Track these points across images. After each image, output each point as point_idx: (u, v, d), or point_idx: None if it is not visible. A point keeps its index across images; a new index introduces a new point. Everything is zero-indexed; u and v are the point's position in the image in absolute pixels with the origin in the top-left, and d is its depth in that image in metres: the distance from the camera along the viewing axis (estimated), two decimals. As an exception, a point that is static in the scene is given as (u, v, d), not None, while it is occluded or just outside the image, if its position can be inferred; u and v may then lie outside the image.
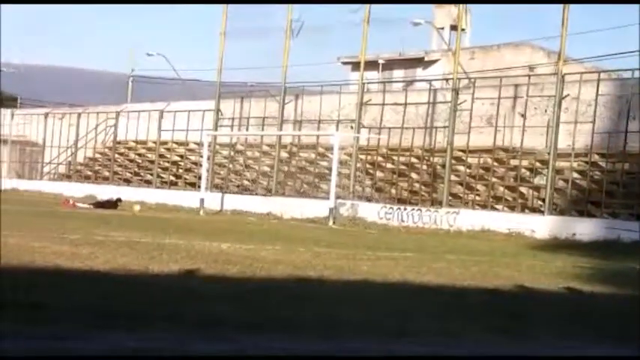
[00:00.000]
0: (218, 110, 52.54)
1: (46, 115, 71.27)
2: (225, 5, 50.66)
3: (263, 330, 8.41)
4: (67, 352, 6.87)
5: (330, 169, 41.88)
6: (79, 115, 67.66)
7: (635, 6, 46.07)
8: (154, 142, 58.90)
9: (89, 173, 64.47)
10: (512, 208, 38.44)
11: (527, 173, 39.03)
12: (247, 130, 53.07)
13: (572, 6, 36.90)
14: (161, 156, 58.36)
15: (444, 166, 40.57)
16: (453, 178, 40.64)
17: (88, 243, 17.41)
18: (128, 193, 52.59)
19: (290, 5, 46.84)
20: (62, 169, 69.09)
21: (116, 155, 62.70)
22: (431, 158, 42.59)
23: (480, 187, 40.49)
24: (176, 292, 11.02)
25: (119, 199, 43.07)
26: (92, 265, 13.39)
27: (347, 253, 20.03)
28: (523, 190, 39.13)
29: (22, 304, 8.92)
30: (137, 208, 39.77)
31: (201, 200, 44.24)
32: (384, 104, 45.18)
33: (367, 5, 43.59)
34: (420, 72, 58.67)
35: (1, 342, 7.05)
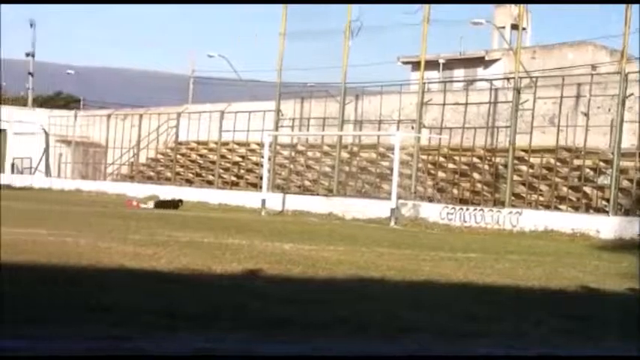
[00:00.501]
0: (279, 111, 52.66)
1: (109, 116, 71.96)
2: (284, 6, 50.75)
3: (328, 331, 8.41)
4: (138, 351, 6.94)
5: (391, 169, 41.77)
6: (141, 116, 68.23)
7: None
8: (215, 143, 59.18)
9: (151, 174, 64.97)
10: (576, 209, 38.05)
11: (591, 173, 38.61)
12: (308, 130, 53.14)
13: (635, 4, 36.47)
14: (222, 157, 58.62)
15: (506, 165, 40.28)
16: (515, 178, 40.34)
17: (151, 243, 17.53)
18: (190, 194, 52.96)
19: (349, 5, 46.82)
20: (125, 169, 69.72)
21: (178, 156, 63.10)
22: (493, 158, 42.30)
23: (542, 187, 40.12)
24: (239, 293, 11.06)
25: (180, 201, 43.32)
26: (156, 265, 13.48)
27: (409, 253, 19.97)
28: (587, 190, 38.71)
29: (91, 305, 9.01)
30: (150, 204, 40.16)
31: (263, 201, 44.37)
32: (444, 104, 44.98)
33: (427, 5, 43.43)
34: (480, 71, 58.33)
35: (69, 342, 7.13)
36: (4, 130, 79.72)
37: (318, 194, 48.45)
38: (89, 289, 10.45)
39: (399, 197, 39.44)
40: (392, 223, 37.21)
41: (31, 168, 77.60)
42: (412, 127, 45.45)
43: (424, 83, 45.49)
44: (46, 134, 78.15)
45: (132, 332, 7.65)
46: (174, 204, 42.21)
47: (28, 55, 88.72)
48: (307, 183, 51.97)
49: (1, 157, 77.39)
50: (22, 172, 76.57)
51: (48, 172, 76.45)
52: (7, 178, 69.60)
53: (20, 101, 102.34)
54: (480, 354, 7.80)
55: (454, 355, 7.68)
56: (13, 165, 78.79)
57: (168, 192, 51.97)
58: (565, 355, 8.18)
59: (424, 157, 44.70)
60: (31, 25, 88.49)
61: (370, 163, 48.47)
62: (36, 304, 8.92)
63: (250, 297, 10.65)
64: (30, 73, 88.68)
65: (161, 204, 42.20)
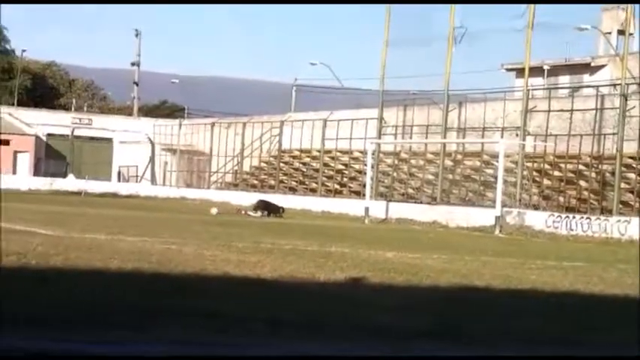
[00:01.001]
0: (381, 118, 52.60)
1: (213, 124, 72.74)
2: (387, 13, 50.67)
3: (433, 339, 8.33)
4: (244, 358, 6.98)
5: (495, 176, 41.37)
6: (244, 124, 68.81)
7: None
8: (318, 151, 59.36)
9: (255, 182, 65.45)
10: (685, 217, 37.18)
11: (702, 180, 37.72)
12: (411, 138, 52.95)
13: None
14: (325, 164, 58.78)
15: (613, 173, 39.56)
16: (623, 185, 39.59)
17: (255, 251, 17.62)
18: (293, 202, 53.17)
19: (452, 11, 46.53)
20: (229, 177, 70.38)
21: (281, 164, 63.46)
22: (599, 165, 41.59)
23: (651, 194, 39.33)
24: (342, 301, 11.03)
25: (282, 209, 43.44)
26: (260, 272, 13.53)
27: (514, 262, 19.72)
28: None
29: (197, 312, 9.08)
30: (214, 211, 40.08)
31: (366, 208, 44.32)
32: (549, 111, 44.39)
33: (532, 6, 42.88)
34: (586, 78, 57.40)
35: (176, 347, 7.19)
36: (111, 138, 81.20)
37: (421, 202, 48.21)
38: (194, 295, 10.54)
39: (503, 205, 39.00)
40: (496, 232, 36.83)
41: (137, 176, 78.87)
42: (516, 135, 44.95)
43: (528, 90, 44.96)
44: (152, 143, 79.36)
45: (237, 339, 7.68)
46: (277, 208, 42.41)
47: (133, 64, 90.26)
48: (410, 191, 51.77)
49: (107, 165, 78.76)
50: (127, 180, 77.86)
51: (153, 180, 77.61)
52: (114, 186, 70.80)
53: (126, 110, 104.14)
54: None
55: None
56: (119, 173, 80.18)
57: (271, 200, 52.26)
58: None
59: (529, 164, 44.15)
60: (137, 35, 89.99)
61: (474, 171, 48.08)
62: (142, 309, 9.02)
63: (353, 305, 10.62)
64: (135, 83, 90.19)
65: (265, 205, 42.41)
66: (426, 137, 51.07)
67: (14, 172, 73.53)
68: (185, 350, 7.16)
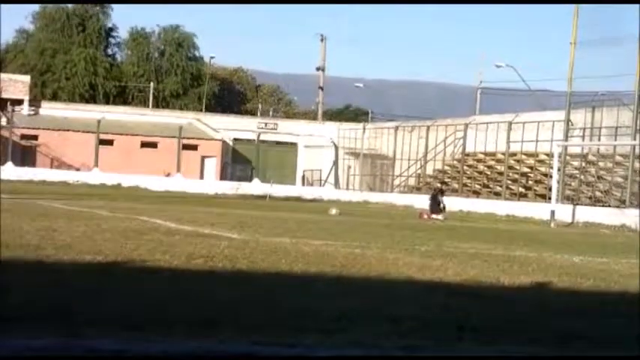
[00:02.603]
0: (568, 120, 51.59)
1: (396, 128, 72.89)
2: (575, 13, 49.71)
3: (620, 346, 8.10)
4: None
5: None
6: (428, 127, 68.70)
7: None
8: (503, 154, 58.67)
9: (438, 185, 65.21)
10: None
11: None
12: (599, 140, 51.75)
13: None
14: (510, 167, 58.04)
15: None
16: None
17: (438, 255, 17.52)
18: (477, 205, 52.74)
19: (643, 10, 45.26)
20: (412, 181, 70.36)
21: (465, 167, 63.03)
22: None
23: None
24: (527, 306, 10.84)
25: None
26: (442, 276, 13.44)
27: None
28: None
29: (380, 316, 9.09)
30: (333, 211, 39.59)
31: (552, 212, 43.57)
32: None
33: None
34: None
35: (357, 349, 7.21)
36: (296, 143, 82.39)
37: (609, 205, 47.06)
38: (378, 299, 10.56)
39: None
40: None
41: (320, 180, 79.76)
42: None
43: None
44: (336, 147, 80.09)
45: (422, 343, 7.65)
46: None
47: (318, 69, 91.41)
48: (598, 194, 50.59)
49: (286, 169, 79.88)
50: (311, 184, 78.85)
51: (337, 184, 78.34)
52: (298, 190, 71.78)
53: (310, 115, 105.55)
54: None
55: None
56: (303, 177, 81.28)
57: (455, 203, 51.92)
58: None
59: None
60: (322, 40, 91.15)
61: (666, 174, 46.65)
62: (327, 312, 9.08)
63: (538, 310, 10.42)
64: (320, 87, 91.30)
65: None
66: (615, 139, 49.82)
67: (201, 177, 75.50)
68: (369, 353, 7.18)
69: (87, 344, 6.74)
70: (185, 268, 12.23)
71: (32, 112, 78.28)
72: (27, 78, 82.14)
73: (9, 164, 66.63)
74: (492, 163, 60.95)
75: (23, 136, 73.78)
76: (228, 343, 7.16)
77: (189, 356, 6.65)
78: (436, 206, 41.65)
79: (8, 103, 76.52)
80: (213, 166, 77.34)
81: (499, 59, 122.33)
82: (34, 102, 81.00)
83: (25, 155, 72.73)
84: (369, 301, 10.26)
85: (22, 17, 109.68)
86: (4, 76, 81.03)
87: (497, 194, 57.73)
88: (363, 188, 73.88)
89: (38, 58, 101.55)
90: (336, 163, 79.60)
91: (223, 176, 76.69)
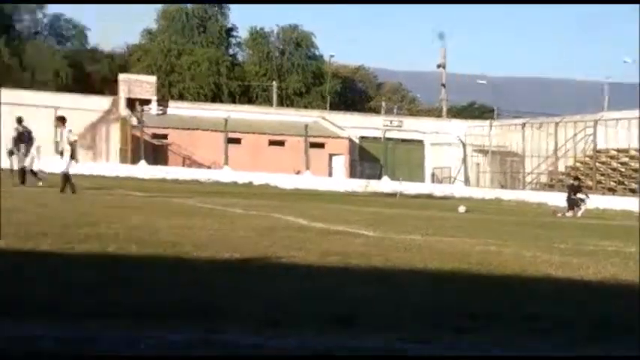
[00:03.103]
0: None
1: (524, 125, 72.05)
2: None
3: None
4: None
5: None
6: (557, 124, 67.73)
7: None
8: (636, 151, 57.44)
9: (572, 182, 64.21)
10: None
11: None
12: None
13: None
14: (644, 164, 56.80)
15: None
16: None
17: (577, 253, 17.16)
18: (613, 203, 51.73)
19: None
20: (543, 178, 69.44)
21: (597, 164, 61.88)
22: None
23: None
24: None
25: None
26: (582, 274, 13.15)
27: None
28: None
29: (518, 314, 8.93)
30: (462, 209, 38.68)
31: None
32: None
33: None
34: None
35: (499, 350, 7.09)
36: (422, 140, 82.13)
37: None
38: (515, 297, 10.39)
39: None
40: None
41: (450, 177, 79.34)
42: None
43: None
44: (463, 144, 79.57)
45: (559, 343, 7.50)
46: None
47: (439, 66, 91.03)
48: None
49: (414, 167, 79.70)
50: (441, 182, 78.47)
51: (467, 182, 77.81)
52: (428, 188, 71.48)
53: (434, 112, 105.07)
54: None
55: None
56: (432, 175, 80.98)
57: (590, 201, 51.05)
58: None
59: None
60: (441, 37, 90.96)
61: None
62: (463, 310, 8.96)
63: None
64: (442, 85, 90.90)
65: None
66: None
67: (330, 175, 75.81)
68: (504, 352, 7.06)
69: (225, 339, 6.82)
70: (320, 265, 12.23)
71: (160, 112, 79.78)
72: (153, 79, 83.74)
73: (142, 162, 67.97)
74: (626, 159, 59.66)
75: (154, 135, 75.22)
76: (362, 338, 7.13)
77: (324, 352, 6.63)
78: (572, 202, 41.11)
79: (137, 103, 78.18)
80: (341, 163, 77.58)
81: (627, 54, 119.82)
82: (162, 102, 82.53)
83: (157, 154, 74.14)
84: (506, 299, 10.10)
85: (150, 19, 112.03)
86: (132, 77, 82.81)
87: (633, 191, 56.46)
88: (495, 185, 73.15)
89: (163, 58, 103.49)
90: (464, 160, 79.00)
91: (352, 174, 76.83)
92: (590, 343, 7.63)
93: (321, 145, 76.18)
